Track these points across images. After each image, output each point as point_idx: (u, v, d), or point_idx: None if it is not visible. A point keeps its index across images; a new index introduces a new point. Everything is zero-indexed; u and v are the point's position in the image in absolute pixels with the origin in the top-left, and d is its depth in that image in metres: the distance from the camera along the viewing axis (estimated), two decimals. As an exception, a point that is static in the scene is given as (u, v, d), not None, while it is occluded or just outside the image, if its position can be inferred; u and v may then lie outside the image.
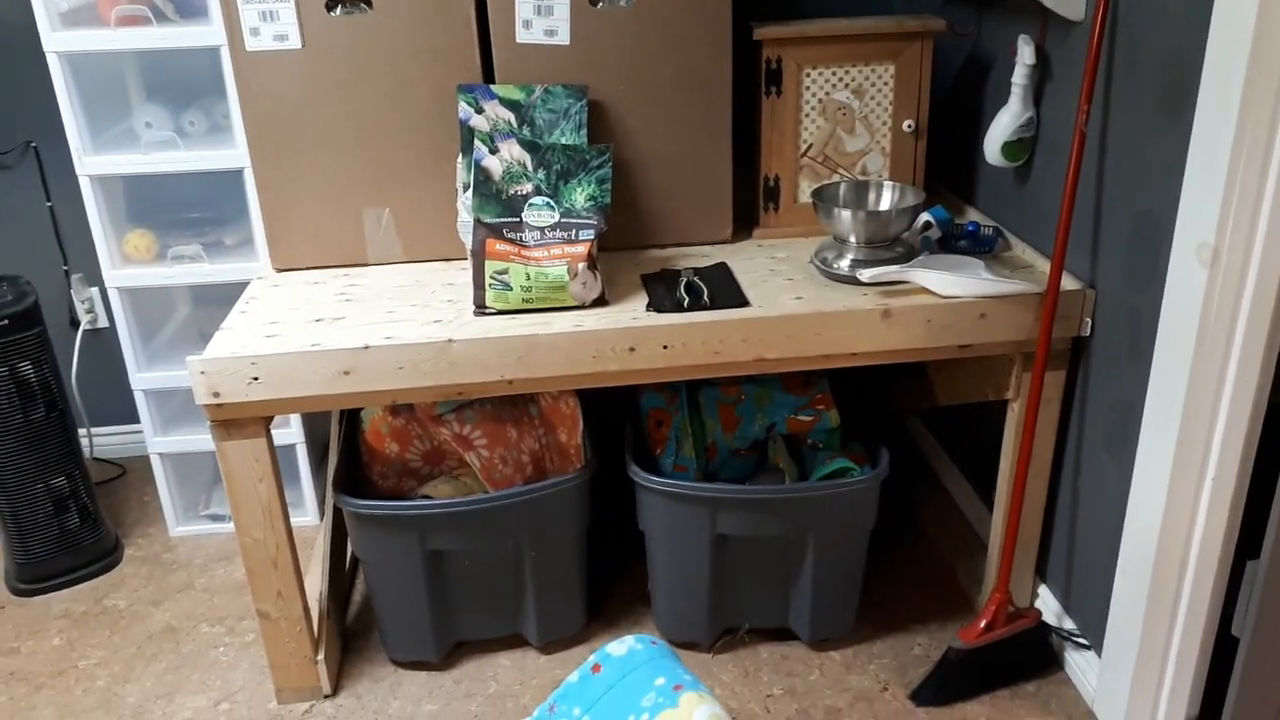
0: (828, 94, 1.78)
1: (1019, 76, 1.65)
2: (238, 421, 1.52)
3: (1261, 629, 1.36)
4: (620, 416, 1.90)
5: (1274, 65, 1.16)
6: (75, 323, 2.39)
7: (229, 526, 2.23)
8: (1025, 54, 1.63)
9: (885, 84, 1.79)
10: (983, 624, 1.66)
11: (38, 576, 2.07)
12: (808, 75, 1.77)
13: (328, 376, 1.49)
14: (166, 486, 2.19)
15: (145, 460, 2.41)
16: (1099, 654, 1.64)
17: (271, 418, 1.56)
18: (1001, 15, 1.80)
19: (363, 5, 1.63)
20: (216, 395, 1.48)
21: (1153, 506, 1.42)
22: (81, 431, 2.45)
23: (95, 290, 2.38)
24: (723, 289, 1.64)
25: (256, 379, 1.47)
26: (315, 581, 1.85)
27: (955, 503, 2.23)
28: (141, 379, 2.09)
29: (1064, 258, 1.51)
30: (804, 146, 1.82)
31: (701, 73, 1.72)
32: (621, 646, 1.26)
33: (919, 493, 2.28)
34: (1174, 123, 1.34)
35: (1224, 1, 1.20)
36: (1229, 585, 1.43)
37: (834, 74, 1.77)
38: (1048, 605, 1.80)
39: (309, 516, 2.24)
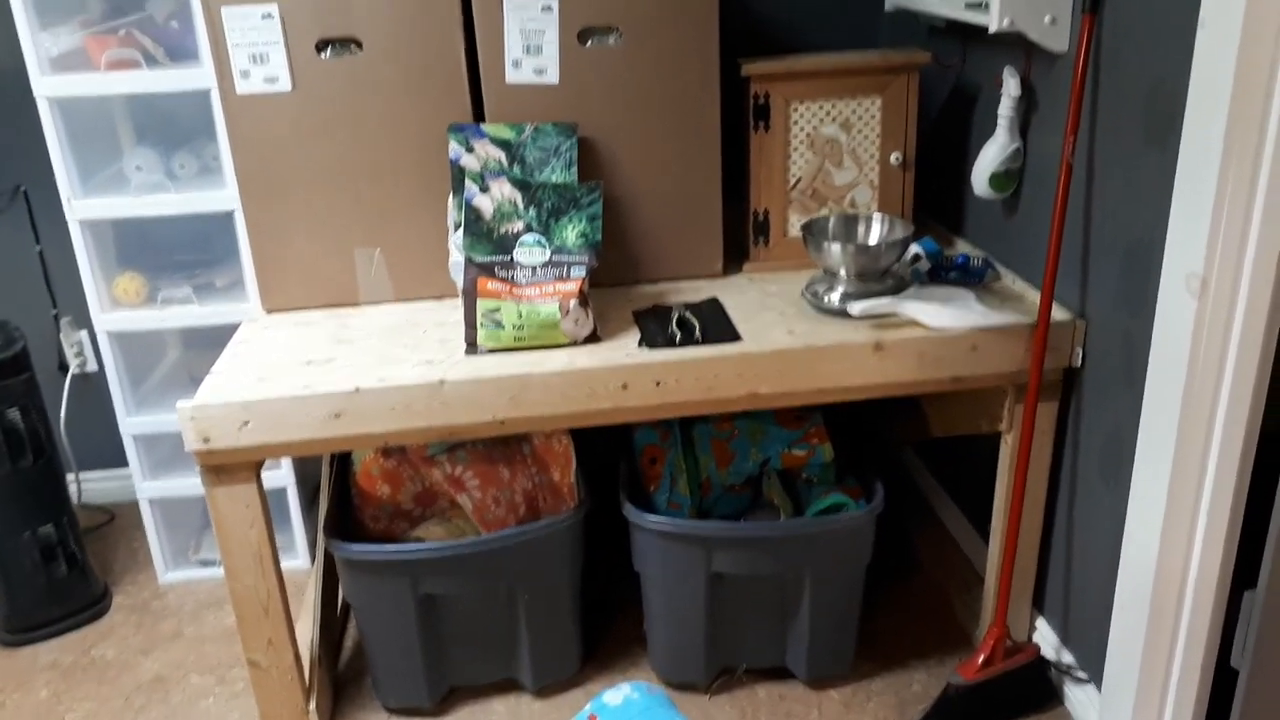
0: (815, 128, 1.79)
1: (1005, 108, 1.67)
2: (228, 467, 1.50)
3: (1260, 660, 1.35)
4: (614, 453, 1.89)
5: (1258, 94, 1.17)
6: (64, 367, 2.38)
7: (219, 572, 2.20)
8: (1011, 86, 1.65)
9: (872, 117, 1.80)
10: (981, 659, 1.64)
11: (25, 626, 2.04)
12: (795, 110, 1.78)
13: (319, 420, 1.48)
14: (156, 532, 2.16)
15: (134, 505, 2.38)
16: (1099, 688, 1.62)
17: (262, 462, 1.54)
18: (986, 47, 1.82)
19: (353, 47, 1.64)
20: (207, 440, 1.46)
21: (1149, 537, 1.42)
22: (70, 477, 2.43)
23: (84, 334, 2.36)
24: (715, 324, 1.64)
25: (247, 423, 1.46)
26: (306, 628, 1.82)
27: (951, 535, 2.22)
28: (131, 423, 2.08)
29: (1054, 288, 1.52)
30: (793, 180, 1.83)
31: (690, 109, 1.73)
32: (618, 695, 1.24)
33: (915, 526, 2.27)
34: (1160, 153, 1.35)
35: (1207, 32, 1.21)
36: (1227, 616, 1.42)
37: (821, 108, 1.78)
38: (1046, 639, 1.78)
39: (299, 560, 2.21)
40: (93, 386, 2.41)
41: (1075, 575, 1.68)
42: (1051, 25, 1.52)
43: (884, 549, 2.12)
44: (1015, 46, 1.67)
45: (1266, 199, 1.21)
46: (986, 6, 1.56)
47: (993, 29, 1.51)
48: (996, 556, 1.78)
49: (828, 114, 1.79)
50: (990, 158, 1.69)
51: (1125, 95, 1.41)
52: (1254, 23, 1.15)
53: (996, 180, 1.70)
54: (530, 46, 1.66)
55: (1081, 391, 1.61)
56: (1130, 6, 1.38)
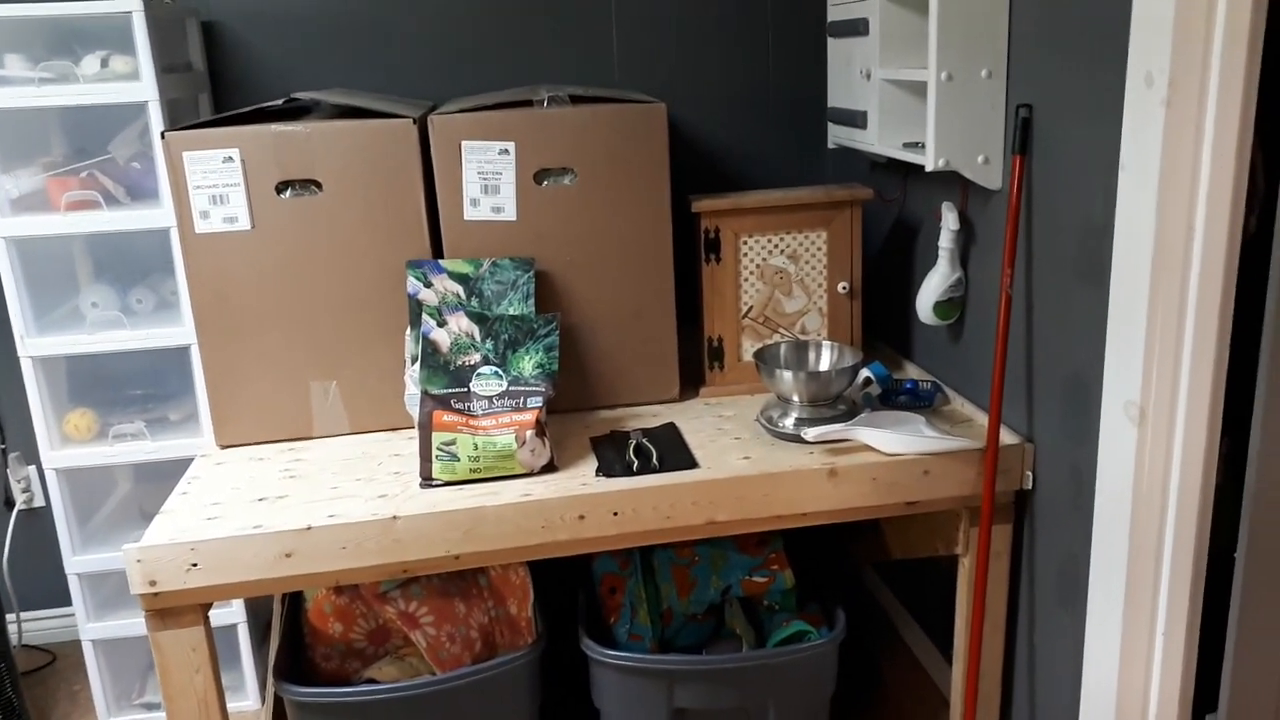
0: (764, 259, 1.85)
1: (945, 240, 1.73)
2: (174, 610, 1.46)
3: (1229, 787, 1.34)
4: (573, 579, 1.87)
5: (1179, 231, 1.24)
6: (10, 502, 2.32)
7: (164, 716, 2.11)
8: (949, 220, 1.72)
9: (819, 249, 1.86)
10: (951, 791, 1.61)
11: (-47, 780, 1.93)
12: (744, 243, 1.83)
13: (269, 560, 1.45)
14: (98, 675, 2.08)
15: (76, 645, 2.29)
16: (1071, 818, 1.59)
17: (210, 604, 1.50)
18: (926, 182, 1.90)
19: (313, 187, 1.67)
20: (153, 584, 1.43)
21: (1108, 662, 1.42)
22: (10, 617, 2.34)
23: (32, 469, 2.32)
24: (671, 450, 1.65)
25: (195, 565, 1.43)
26: (254, 775, 1.75)
27: (916, 657, 2.19)
28: (76, 562, 2.02)
29: (1000, 413, 1.55)
30: (744, 308, 1.87)
31: (643, 243, 1.78)
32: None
33: (879, 648, 2.25)
34: (1093, 286, 1.40)
35: (1128, 174, 1.28)
36: (1192, 741, 1.41)
37: (770, 241, 1.84)
38: (1016, 766, 1.75)
39: (249, 700, 2.13)
40: (39, 522, 2.35)
41: (1039, 698, 1.67)
42: (985, 164, 1.59)
43: (848, 675, 2.09)
44: (952, 182, 1.75)
45: (1196, 329, 1.26)
46: (923, 147, 1.64)
47: (929, 168, 1.59)
48: (960, 681, 1.76)
49: (776, 246, 1.85)
50: (933, 287, 1.75)
51: (1058, 231, 1.48)
52: (1171, 165, 1.22)
53: (940, 308, 1.76)
54: (488, 186, 1.71)
55: (1034, 515, 1.62)
56: (1058, 148, 1.45)
